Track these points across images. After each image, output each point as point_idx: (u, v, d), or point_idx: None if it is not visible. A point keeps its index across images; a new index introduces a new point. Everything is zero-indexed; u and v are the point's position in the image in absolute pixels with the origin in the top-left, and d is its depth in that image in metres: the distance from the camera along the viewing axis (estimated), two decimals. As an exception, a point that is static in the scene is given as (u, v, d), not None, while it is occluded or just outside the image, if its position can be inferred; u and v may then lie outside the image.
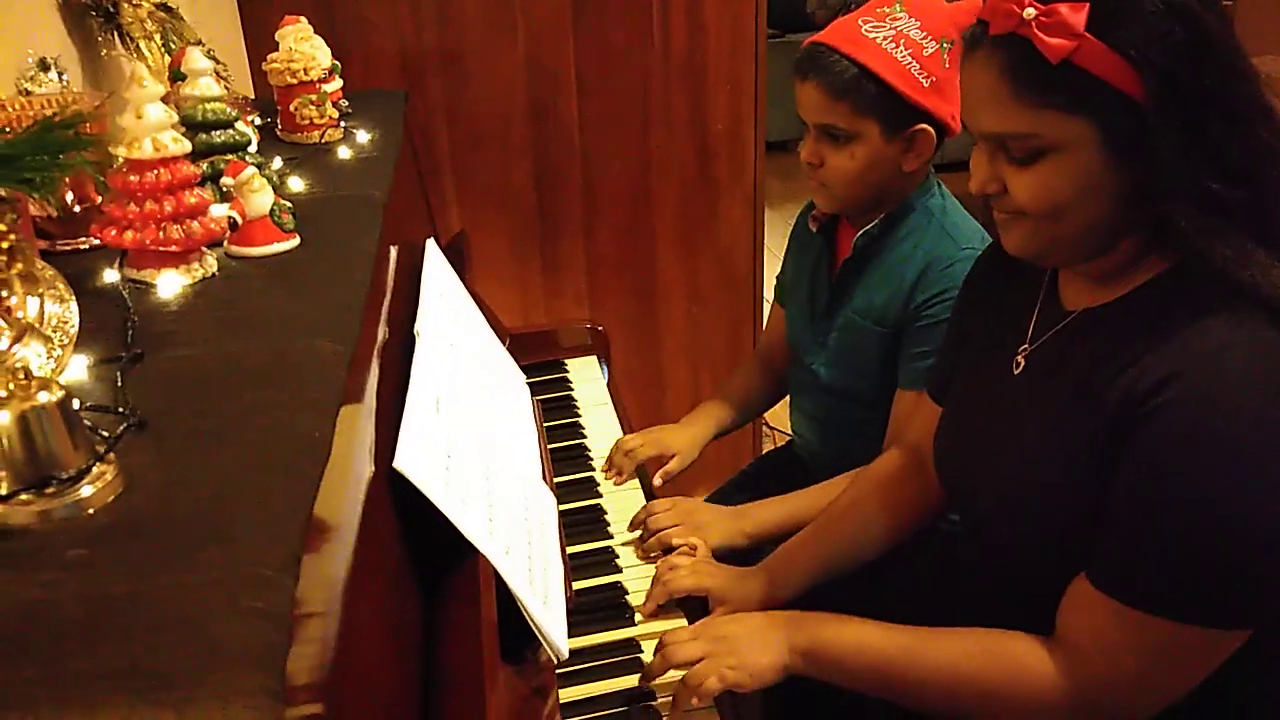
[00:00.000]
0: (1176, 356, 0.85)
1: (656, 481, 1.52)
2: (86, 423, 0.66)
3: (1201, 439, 0.82)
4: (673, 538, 1.33)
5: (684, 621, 1.21)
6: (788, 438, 1.76)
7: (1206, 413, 0.82)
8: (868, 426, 1.46)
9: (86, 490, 0.61)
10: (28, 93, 1.10)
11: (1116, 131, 0.84)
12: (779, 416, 1.75)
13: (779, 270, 1.70)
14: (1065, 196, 0.88)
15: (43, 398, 0.58)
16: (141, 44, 1.29)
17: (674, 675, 1.08)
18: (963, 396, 1.16)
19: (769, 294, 1.77)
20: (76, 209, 1.02)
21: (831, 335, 1.50)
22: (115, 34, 1.31)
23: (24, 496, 0.59)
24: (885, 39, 1.34)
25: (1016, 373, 1.03)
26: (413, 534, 0.93)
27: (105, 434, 0.66)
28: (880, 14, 1.37)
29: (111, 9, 1.28)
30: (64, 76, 1.15)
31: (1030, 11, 0.83)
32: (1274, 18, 3.92)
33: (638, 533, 1.38)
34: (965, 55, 0.92)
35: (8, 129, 0.86)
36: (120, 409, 0.70)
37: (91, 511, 0.60)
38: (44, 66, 1.14)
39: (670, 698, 1.07)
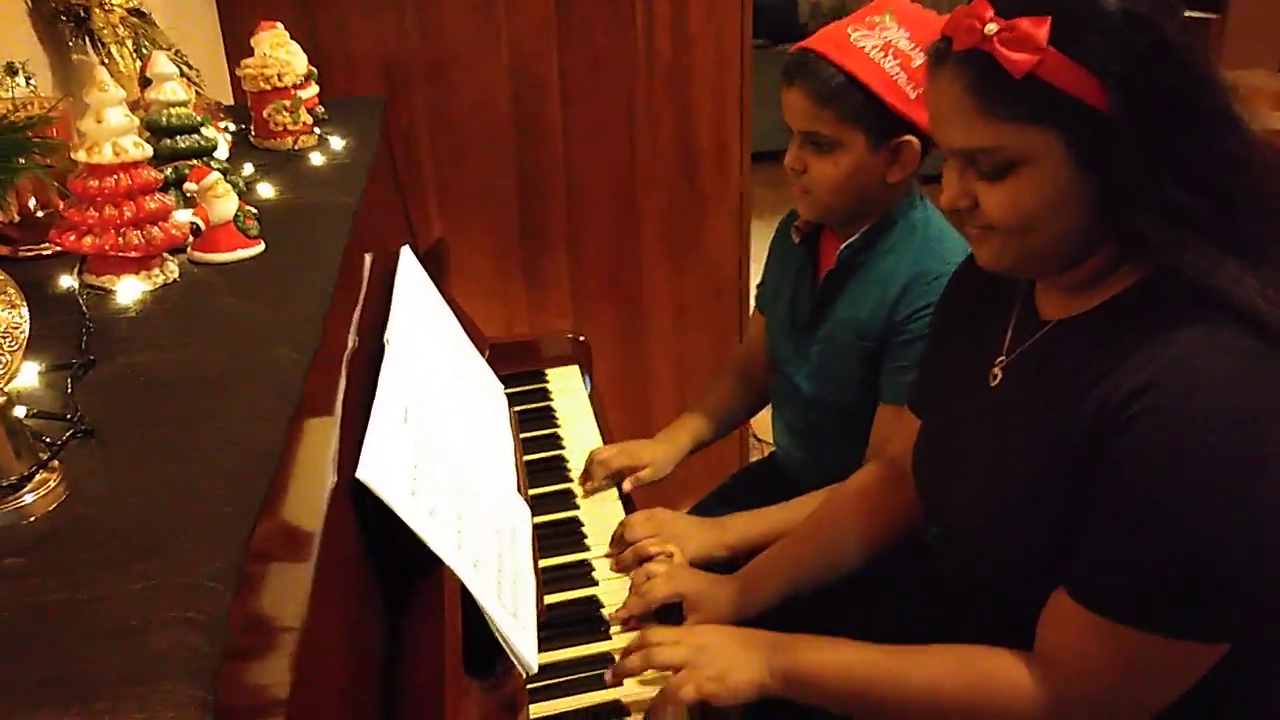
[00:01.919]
0: (1150, 366, 0.84)
1: (626, 486, 1.50)
2: (33, 430, 0.65)
3: (1175, 450, 0.81)
4: (649, 547, 1.31)
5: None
6: (772, 449, 1.74)
7: (1180, 423, 0.81)
8: (849, 439, 1.44)
9: (28, 498, 0.60)
10: (-6, 97, 1.09)
11: (1082, 142, 0.83)
12: (766, 427, 1.74)
13: (760, 279, 1.69)
14: (1035, 210, 0.87)
15: (-19, 404, 0.57)
16: (113, 49, 1.28)
17: (641, 692, 1.08)
18: (941, 409, 1.15)
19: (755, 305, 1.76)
20: (40, 214, 1.01)
21: (813, 348, 1.49)
22: (86, 39, 1.29)
23: (-39, 504, 0.57)
24: (874, 48, 1.33)
25: (993, 385, 1.02)
26: (378, 545, 0.92)
27: (50, 441, 0.65)
28: (870, 23, 1.35)
29: (83, 14, 1.27)
30: (32, 81, 1.13)
31: (992, 27, 0.83)
32: (1264, 33, 3.94)
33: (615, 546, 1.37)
34: (931, 71, 0.91)
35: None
36: (68, 416, 0.69)
37: (32, 519, 0.60)
38: (11, 71, 1.12)
39: (642, 715, 1.06)
